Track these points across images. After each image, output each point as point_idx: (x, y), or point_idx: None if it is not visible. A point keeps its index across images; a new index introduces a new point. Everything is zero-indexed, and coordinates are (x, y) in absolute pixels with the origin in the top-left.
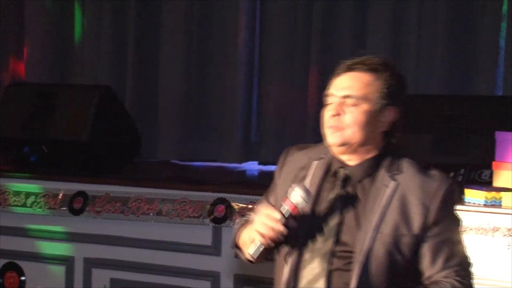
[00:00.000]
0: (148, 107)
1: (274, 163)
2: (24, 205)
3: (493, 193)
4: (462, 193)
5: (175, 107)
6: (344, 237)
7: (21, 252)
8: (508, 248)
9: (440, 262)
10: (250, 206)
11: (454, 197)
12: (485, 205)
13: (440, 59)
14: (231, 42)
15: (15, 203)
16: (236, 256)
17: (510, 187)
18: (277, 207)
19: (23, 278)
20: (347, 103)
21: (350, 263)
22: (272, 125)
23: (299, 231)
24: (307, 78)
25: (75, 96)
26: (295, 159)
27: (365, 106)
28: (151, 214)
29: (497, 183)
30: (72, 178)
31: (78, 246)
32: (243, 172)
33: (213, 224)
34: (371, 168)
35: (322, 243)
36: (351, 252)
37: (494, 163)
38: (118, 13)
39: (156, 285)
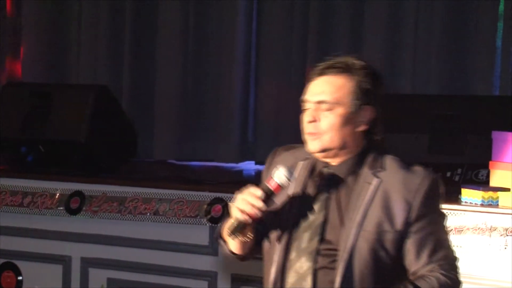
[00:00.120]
0: (145, 107)
1: None
2: (21, 204)
3: (490, 193)
4: (460, 192)
5: (172, 107)
6: (329, 235)
7: (18, 252)
8: (505, 248)
9: (424, 256)
10: None
11: (437, 192)
12: (482, 205)
13: (437, 59)
14: (228, 42)
15: (12, 203)
16: (221, 247)
17: (507, 186)
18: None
19: (20, 277)
20: (322, 108)
21: (335, 261)
22: (269, 125)
23: (284, 229)
24: (304, 78)
25: (72, 96)
26: (282, 159)
27: (340, 110)
28: (148, 214)
29: (494, 182)
30: (69, 178)
31: (75, 245)
32: (240, 172)
33: (210, 224)
34: (354, 166)
35: (307, 242)
36: (335, 250)
37: (491, 162)
38: (115, 13)
39: (153, 285)
